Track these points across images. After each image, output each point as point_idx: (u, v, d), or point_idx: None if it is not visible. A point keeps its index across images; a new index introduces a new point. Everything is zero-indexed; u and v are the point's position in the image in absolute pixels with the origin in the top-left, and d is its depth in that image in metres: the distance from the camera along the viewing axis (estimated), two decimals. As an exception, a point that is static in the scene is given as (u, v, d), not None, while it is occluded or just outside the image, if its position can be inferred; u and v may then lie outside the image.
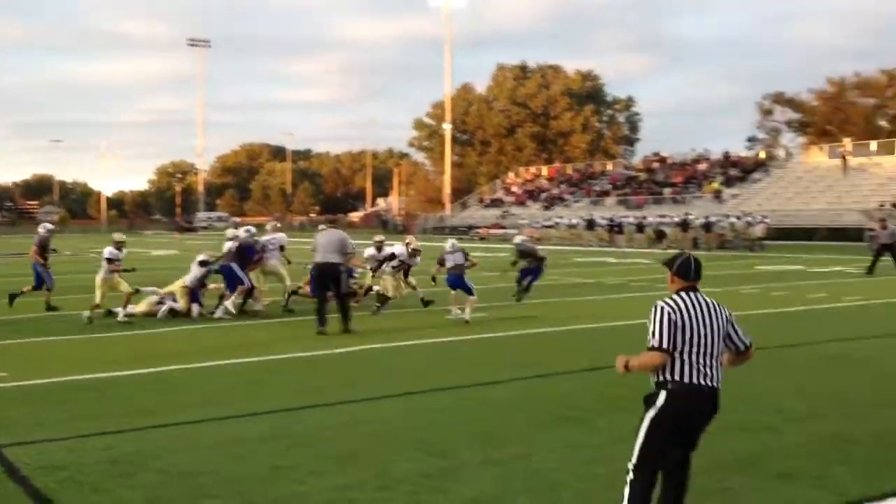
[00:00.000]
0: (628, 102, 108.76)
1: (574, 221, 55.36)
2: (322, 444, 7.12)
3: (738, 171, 64.93)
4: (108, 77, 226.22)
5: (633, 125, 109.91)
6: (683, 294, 4.87)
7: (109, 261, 15.39)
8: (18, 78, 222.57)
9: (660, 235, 45.77)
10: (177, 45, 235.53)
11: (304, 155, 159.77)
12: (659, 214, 52.39)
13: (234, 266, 16.11)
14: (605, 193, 70.50)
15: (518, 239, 18.57)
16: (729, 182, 62.77)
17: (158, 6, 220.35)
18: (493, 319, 15.59)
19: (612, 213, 54.32)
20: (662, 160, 73.58)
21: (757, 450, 6.78)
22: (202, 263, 16.27)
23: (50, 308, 16.98)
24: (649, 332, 4.81)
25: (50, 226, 19.12)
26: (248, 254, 16.42)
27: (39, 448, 7.00)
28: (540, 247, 20.29)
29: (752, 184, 62.11)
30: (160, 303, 15.94)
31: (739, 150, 75.23)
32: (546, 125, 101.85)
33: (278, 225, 18.92)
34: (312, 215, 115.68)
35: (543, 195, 75.77)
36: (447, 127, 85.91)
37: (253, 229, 17.41)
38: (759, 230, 42.21)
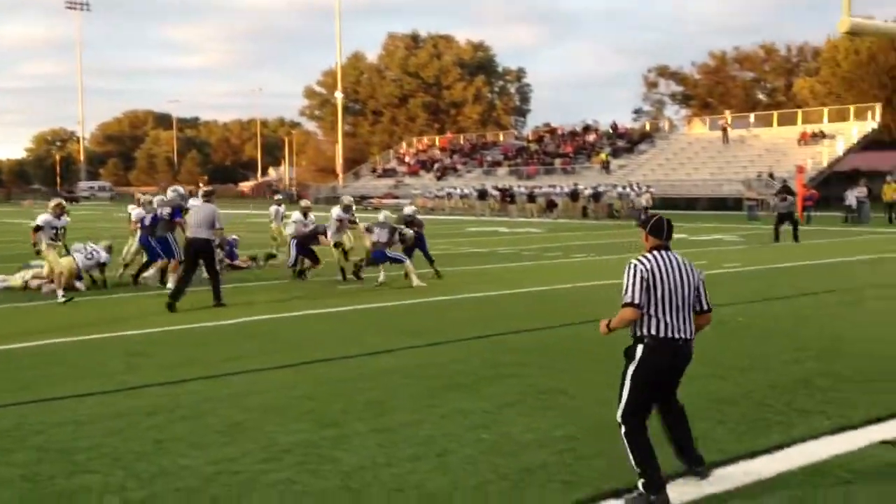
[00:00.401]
0: (519, 73, 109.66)
1: (466, 191, 55.70)
2: (207, 416, 7.00)
3: (624, 142, 66.37)
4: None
5: (524, 96, 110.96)
6: (656, 252, 5.22)
7: None
8: None
9: (550, 205, 46.49)
10: (56, 8, 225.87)
11: (191, 123, 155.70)
12: (549, 185, 53.20)
13: (171, 237, 15.69)
14: (497, 164, 71.10)
15: (409, 209, 18.43)
16: (616, 153, 64.12)
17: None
18: (386, 289, 15.59)
19: (503, 184, 54.79)
20: (552, 131, 74.58)
21: (638, 412, 6.95)
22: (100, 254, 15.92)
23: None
24: (623, 289, 5.15)
25: None
26: (176, 216, 15.74)
27: None
28: (434, 217, 20.33)
29: (639, 155, 63.61)
30: (38, 288, 15.38)
31: (626, 121, 77.00)
32: (438, 95, 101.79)
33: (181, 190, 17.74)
34: (201, 185, 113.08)
35: (436, 165, 75.90)
36: (339, 96, 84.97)
37: (181, 189, 16.88)
38: (644, 200, 43.31)
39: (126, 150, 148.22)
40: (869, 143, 55.82)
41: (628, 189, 46.54)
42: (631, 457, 5.12)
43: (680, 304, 5.12)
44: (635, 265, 5.15)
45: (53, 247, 14.78)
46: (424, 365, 8.97)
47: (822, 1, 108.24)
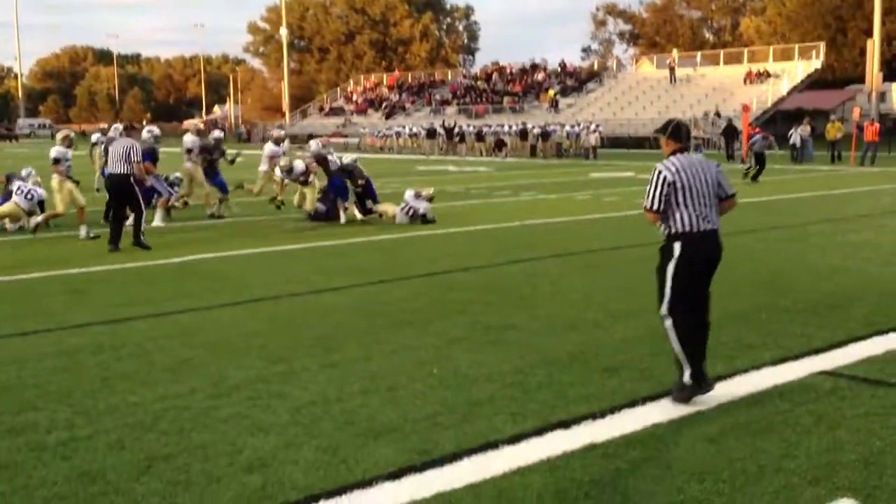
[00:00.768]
0: (467, 11, 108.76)
1: (415, 130, 55.34)
2: (154, 354, 6.95)
3: (573, 81, 66.30)
4: None
5: (472, 34, 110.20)
6: (679, 155, 5.65)
7: None
8: None
9: (499, 144, 46.41)
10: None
11: (133, 60, 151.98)
12: (498, 123, 53.05)
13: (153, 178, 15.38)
14: (446, 102, 70.63)
15: (348, 158, 17.65)
16: (565, 92, 64.08)
17: None
18: (335, 228, 15.51)
19: (452, 122, 54.51)
20: (501, 70, 74.11)
21: (585, 347, 7.07)
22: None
23: None
24: (646, 194, 5.62)
25: None
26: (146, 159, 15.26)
27: None
28: (383, 156, 20.13)
29: (587, 94, 63.66)
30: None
31: (575, 60, 76.88)
32: (385, 33, 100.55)
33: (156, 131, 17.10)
34: (144, 123, 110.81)
35: (384, 104, 75.21)
36: (283, 32, 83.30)
37: (156, 130, 16.46)
38: (592, 139, 43.45)
39: (66, 86, 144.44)
40: (813, 83, 56.49)
41: (577, 128, 46.61)
42: (675, 347, 5.55)
43: (705, 198, 5.55)
44: (660, 172, 5.57)
45: (66, 181, 14.26)
46: (372, 302, 8.98)
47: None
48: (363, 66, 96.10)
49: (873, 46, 44.69)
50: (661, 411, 5.49)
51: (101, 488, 4.42)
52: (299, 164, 16.29)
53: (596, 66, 70.62)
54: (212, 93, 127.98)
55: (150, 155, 14.93)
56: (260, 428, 5.25)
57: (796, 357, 6.66)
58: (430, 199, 16.37)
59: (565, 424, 5.26)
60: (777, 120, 51.57)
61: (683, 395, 5.57)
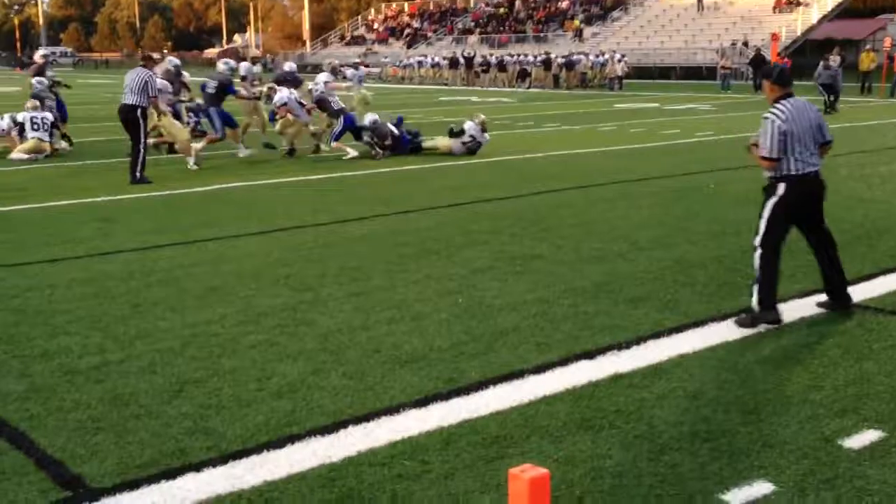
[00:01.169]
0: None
1: (437, 60, 54.72)
2: (183, 281, 7.02)
3: (598, 9, 65.08)
4: None
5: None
6: (785, 101, 5.76)
7: None
8: None
9: (522, 74, 45.87)
10: None
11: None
12: (521, 53, 52.34)
13: (214, 111, 15.08)
14: (469, 31, 69.59)
15: (369, 118, 16.54)
16: (589, 20, 62.96)
17: None
18: (357, 160, 15.46)
19: (472, 52, 53.78)
20: (525, -3, 72.83)
21: (610, 278, 7.07)
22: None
23: None
24: (763, 142, 5.71)
25: None
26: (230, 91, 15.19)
27: None
28: (405, 87, 19.94)
29: (612, 22, 62.49)
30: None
31: (601, -12, 75.12)
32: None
33: (232, 64, 16.65)
34: (165, 51, 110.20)
35: (405, 32, 74.29)
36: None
37: (233, 63, 16.35)
38: (618, 69, 42.82)
39: (87, 14, 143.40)
40: (843, 11, 55.19)
41: (601, 57, 45.92)
42: (758, 275, 5.74)
43: (809, 141, 5.72)
44: (773, 120, 5.67)
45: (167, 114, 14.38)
46: (396, 232, 8.99)
47: None
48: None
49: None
50: (687, 342, 5.51)
51: (134, 411, 4.51)
52: (280, 96, 15.55)
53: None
54: (232, 20, 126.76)
55: (231, 87, 15.19)
56: (288, 354, 5.32)
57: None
58: (483, 126, 16.17)
59: (590, 355, 5.30)
60: (806, 49, 50.54)
61: (746, 320, 5.77)
